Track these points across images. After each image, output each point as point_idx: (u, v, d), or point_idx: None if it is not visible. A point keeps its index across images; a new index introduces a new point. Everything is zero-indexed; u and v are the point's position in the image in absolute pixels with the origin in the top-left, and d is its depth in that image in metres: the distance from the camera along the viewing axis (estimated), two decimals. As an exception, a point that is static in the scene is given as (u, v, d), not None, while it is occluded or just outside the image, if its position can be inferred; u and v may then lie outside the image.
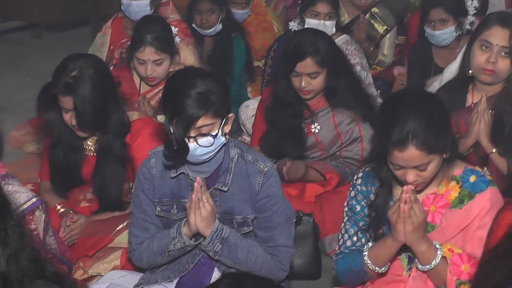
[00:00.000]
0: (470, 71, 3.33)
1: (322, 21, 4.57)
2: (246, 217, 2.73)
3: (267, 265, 2.72)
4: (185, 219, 2.67)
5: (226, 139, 2.63)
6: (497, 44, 3.21)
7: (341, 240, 2.70)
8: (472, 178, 2.56)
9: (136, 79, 4.11)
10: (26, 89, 5.72)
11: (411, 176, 2.44)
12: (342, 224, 2.72)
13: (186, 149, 2.54)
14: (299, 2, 4.86)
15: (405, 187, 2.39)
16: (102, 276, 3.08)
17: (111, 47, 4.82)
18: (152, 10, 4.71)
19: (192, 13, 5.09)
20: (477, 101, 3.26)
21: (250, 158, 2.72)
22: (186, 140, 2.53)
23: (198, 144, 2.54)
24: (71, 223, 3.29)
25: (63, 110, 3.16)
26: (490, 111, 3.22)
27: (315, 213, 3.67)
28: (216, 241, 2.65)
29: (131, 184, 3.27)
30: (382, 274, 2.62)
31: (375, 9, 5.27)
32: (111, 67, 4.48)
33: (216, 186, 2.70)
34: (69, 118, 3.16)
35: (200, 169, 2.66)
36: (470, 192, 2.54)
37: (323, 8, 4.57)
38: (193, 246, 2.71)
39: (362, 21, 5.13)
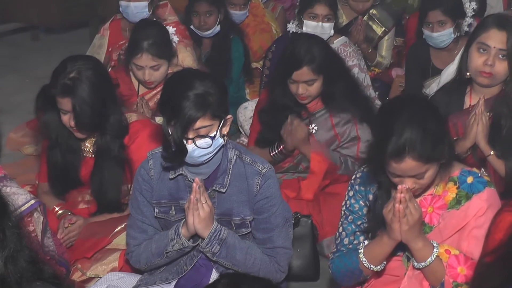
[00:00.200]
0: (468, 73, 3.34)
1: (320, 23, 4.57)
2: (244, 218, 2.73)
3: (265, 266, 2.73)
4: (184, 220, 2.68)
5: (224, 140, 2.63)
6: (494, 47, 3.22)
7: (338, 238, 2.70)
8: (470, 179, 2.56)
9: (134, 81, 4.11)
10: (24, 90, 5.72)
11: (408, 184, 2.44)
12: (340, 223, 2.71)
13: (184, 150, 2.54)
14: (297, 4, 4.87)
15: (399, 187, 2.39)
16: (100, 277, 3.08)
17: (109, 49, 4.83)
18: (150, 12, 4.71)
19: (190, 15, 5.10)
20: (475, 103, 3.26)
21: (248, 159, 2.72)
22: (184, 141, 2.53)
23: (196, 145, 2.54)
24: (69, 225, 3.29)
25: (62, 112, 3.16)
26: (488, 113, 3.22)
27: (314, 215, 3.68)
28: (214, 242, 2.65)
29: (129, 185, 3.27)
30: (378, 273, 2.62)
31: (373, 11, 5.28)
32: (109, 69, 4.48)
33: (214, 188, 2.70)
34: (68, 119, 3.15)
35: (199, 170, 2.66)
36: (467, 193, 2.54)
37: (321, 10, 4.57)
38: (192, 247, 2.71)
39: (360, 22, 5.14)
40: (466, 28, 4.52)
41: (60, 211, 3.37)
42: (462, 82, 3.41)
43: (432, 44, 4.55)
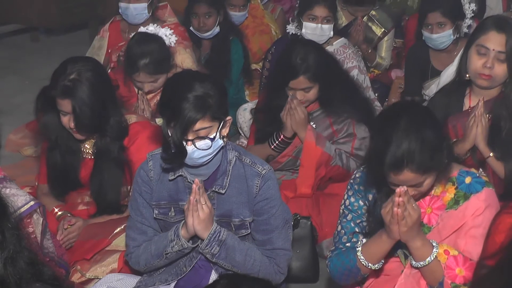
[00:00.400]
0: (467, 75, 3.34)
1: (319, 24, 4.57)
2: (244, 219, 2.73)
3: (264, 268, 2.73)
4: (183, 221, 2.68)
5: (224, 142, 2.63)
6: (493, 49, 3.22)
7: (337, 237, 2.70)
8: (468, 179, 2.57)
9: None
10: (24, 92, 5.73)
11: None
12: (338, 221, 2.71)
13: (184, 152, 2.54)
14: (296, 5, 4.87)
15: (397, 190, 2.39)
16: (100, 279, 3.08)
17: (109, 50, 4.83)
18: (150, 13, 4.71)
19: (190, 16, 5.10)
20: (475, 105, 3.27)
21: (248, 161, 2.72)
22: (184, 143, 2.53)
23: (196, 147, 2.54)
24: (69, 226, 3.29)
25: (61, 113, 3.16)
26: (487, 115, 3.22)
27: (313, 216, 3.68)
28: (213, 243, 2.65)
29: (128, 187, 3.27)
30: (377, 273, 2.62)
31: (372, 12, 5.28)
32: (109, 70, 4.49)
33: (213, 189, 2.70)
34: (67, 121, 3.15)
35: (198, 172, 2.67)
36: (466, 193, 2.55)
37: (320, 11, 4.57)
38: (191, 248, 2.71)
39: (359, 23, 5.15)
40: (465, 30, 4.52)
41: (59, 213, 3.37)
42: (461, 83, 3.42)
43: (431, 46, 4.55)
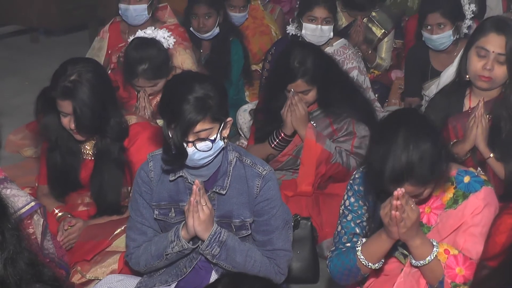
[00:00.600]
0: (467, 76, 3.34)
1: (319, 25, 4.57)
2: (244, 220, 2.73)
3: (265, 268, 2.72)
4: (183, 222, 2.68)
5: (224, 143, 2.63)
6: (493, 51, 3.22)
7: (337, 237, 2.70)
8: (466, 179, 2.57)
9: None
10: (24, 93, 5.73)
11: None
12: (338, 222, 2.71)
13: (185, 153, 2.54)
14: (296, 6, 4.87)
15: (395, 193, 2.37)
16: (100, 280, 3.07)
17: (109, 51, 4.83)
18: (150, 15, 4.71)
19: (190, 17, 5.10)
20: (475, 105, 3.27)
21: (248, 161, 2.72)
22: (185, 144, 2.53)
23: (196, 148, 2.54)
24: (69, 227, 3.29)
25: (62, 114, 3.16)
26: (487, 115, 3.22)
27: (313, 216, 3.68)
28: (214, 244, 2.65)
29: (129, 188, 3.27)
30: (377, 273, 2.62)
31: (372, 13, 5.29)
32: (109, 71, 4.48)
33: (214, 190, 2.70)
34: (68, 122, 3.15)
35: (199, 172, 2.67)
36: (464, 192, 2.55)
37: (320, 13, 4.57)
38: (191, 249, 2.71)
39: (359, 24, 5.15)
40: (465, 30, 4.53)
41: (59, 214, 3.37)
42: (461, 84, 3.42)
43: (431, 46, 4.56)
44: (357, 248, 2.56)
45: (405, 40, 5.39)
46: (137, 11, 4.65)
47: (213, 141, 2.56)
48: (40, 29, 7.60)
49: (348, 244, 2.64)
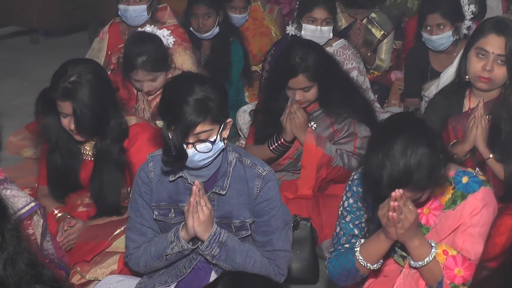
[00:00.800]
0: (467, 77, 3.34)
1: (319, 27, 4.58)
2: (244, 221, 2.73)
3: (265, 269, 2.72)
4: (183, 222, 2.68)
5: (224, 144, 2.63)
6: (493, 52, 3.22)
7: (336, 238, 2.70)
8: (465, 179, 2.57)
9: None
10: (24, 94, 5.73)
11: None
12: (337, 223, 2.71)
13: (185, 155, 2.54)
14: (296, 7, 4.87)
15: (393, 194, 2.37)
16: (100, 280, 3.07)
17: (109, 52, 4.83)
18: (149, 15, 4.71)
19: (189, 17, 5.10)
20: (474, 106, 3.27)
21: (248, 162, 2.72)
22: (185, 146, 2.53)
23: (196, 150, 2.54)
24: (69, 228, 3.29)
25: (62, 115, 3.16)
26: (487, 116, 3.22)
27: (313, 217, 3.68)
28: (214, 245, 2.65)
29: (128, 188, 3.27)
30: (377, 274, 2.61)
31: (372, 14, 5.29)
32: (109, 72, 4.48)
33: (214, 190, 2.70)
34: (68, 123, 3.16)
35: (199, 173, 2.67)
36: (463, 193, 2.55)
37: (320, 14, 4.58)
38: (191, 250, 2.71)
39: (359, 26, 5.15)
40: (465, 31, 4.53)
41: (59, 214, 3.37)
42: (461, 85, 3.42)
43: (431, 47, 4.56)
44: (355, 249, 2.56)
45: (405, 41, 5.39)
46: (137, 12, 4.66)
47: (213, 143, 2.56)
48: (40, 30, 7.59)
49: (347, 245, 2.64)
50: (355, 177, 2.73)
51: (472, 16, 4.52)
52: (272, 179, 2.73)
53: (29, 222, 2.90)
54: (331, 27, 4.61)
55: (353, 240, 2.64)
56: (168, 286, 2.81)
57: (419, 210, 2.50)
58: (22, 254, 1.92)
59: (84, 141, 3.30)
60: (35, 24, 7.23)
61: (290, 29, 4.72)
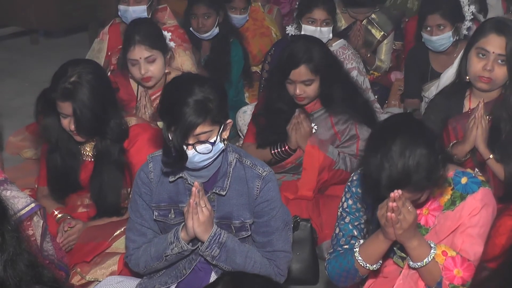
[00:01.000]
0: (467, 77, 3.34)
1: (318, 27, 4.58)
2: (244, 221, 2.73)
3: (264, 270, 2.72)
4: (183, 223, 2.68)
5: (224, 145, 2.63)
6: (493, 52, 3.22)
7: (335, 239, 2.70)
8: (464, 180, 2.57)
9: (134, 85, 4.09)
10: (24, 94, 5.73)
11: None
12: (336, 224, 2.71)
13: (185, 156, 2.54)
14: (296, 7, 4.87)
15: (392, 195, 2.37)
16: (100, 281, 3.07)
17: (109, 53, 4.83)
18: (149, 16, 4.71)
19: (189, 17, 5.10)
20: (475, 106, 3.27)
21: (248, 162, 2.72)
22: (185, 147, 2.53)
23: (196, 151, 2.54)
24: (69, 229, 3.29)
25: (62, 116, 3.16)
26: (487, 116, 3.22)
27: (313, 218, 3.68)
28: (214, 245, 2.65)
29: (128, 189, 3.27)
30: (376, 275, 2.61)
31: (372, 15, 5.29)
32: (109, 73, 4.48)
33: (214, 191, 2.70)
34: (68, 123, 3.16)
35: (199, 174, 2.67)
36: (462, 194, 2.55)
37: (319, 14, 4.58)
38: (191, 250, 2.71)
39: (359, 27, 5.15)
40: (465, 32, 4.52)
41: (59, 215, 3.37)
42: (461, 85, 3.42)
43: (431, 48, 4.56)
44: (355, 249, 2.56)
45: (405, 41, 5.39)
46: (137, 12, 4.65)
47: (213, 144, 2.56)
48: (40, 31, 7.60)
49: (346, 246, 2.64)
50: (354, 178, 2.72)
51: (472, 16, 4.51)
52: (272, 179, 2.73)
53: (29, 223, 2.90)
54: (331, 28, 4.61)
55: (353, 241, 2.64)
56: (168, 287, 2.81)
57: (418, 211, 2.50)
58: (22, 255, 1.93)
59: (84, 142, 3.30)
60: (35, 24, 7.23)
61: (290, 30, 4.72)
